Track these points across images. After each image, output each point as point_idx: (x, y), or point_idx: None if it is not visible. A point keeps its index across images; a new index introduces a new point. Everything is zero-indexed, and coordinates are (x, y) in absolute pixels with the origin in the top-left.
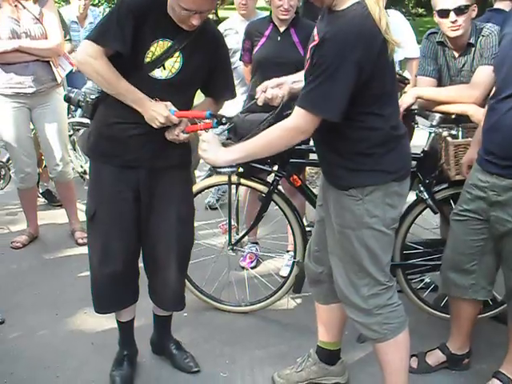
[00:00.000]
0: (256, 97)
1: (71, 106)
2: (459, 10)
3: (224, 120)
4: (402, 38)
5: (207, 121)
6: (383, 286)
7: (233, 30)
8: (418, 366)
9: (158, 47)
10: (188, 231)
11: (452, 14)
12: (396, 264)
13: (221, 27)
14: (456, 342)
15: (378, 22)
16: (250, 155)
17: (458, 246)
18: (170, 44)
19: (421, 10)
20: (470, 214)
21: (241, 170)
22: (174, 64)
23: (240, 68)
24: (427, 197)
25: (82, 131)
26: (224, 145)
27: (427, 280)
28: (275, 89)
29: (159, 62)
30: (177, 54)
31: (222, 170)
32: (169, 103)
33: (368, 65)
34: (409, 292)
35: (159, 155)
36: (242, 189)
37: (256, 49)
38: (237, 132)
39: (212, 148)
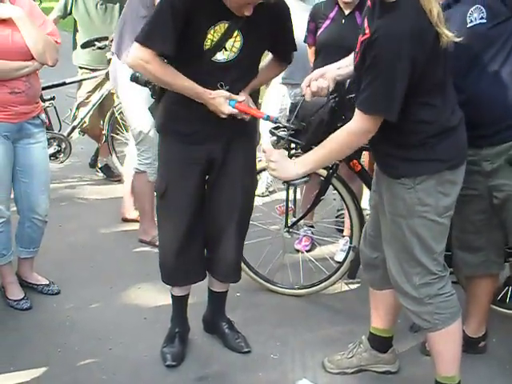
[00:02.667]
0: (302, 93)
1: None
2: None
3: (276, 122)
4: None
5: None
6: (435, 276)
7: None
8: None
9: (215, 32)
10: (249, 201)
11: None
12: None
13: None
14: (472, 324)
15: (429, 14)
16: (321, 164)
17: (466, 226)
18: (226, 25)
19: None
20: (470, 192)
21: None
22: (234, 43)
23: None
24: None
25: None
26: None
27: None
28: (319, 80)
29: (219, 45)
30: (235, 33)
31: (295, 182)
32: (228, 94)
33: (422, 59)
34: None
35: (226, 131)
36: None
37: (320, 31)
38: (298, 114)
39: (281, 165)
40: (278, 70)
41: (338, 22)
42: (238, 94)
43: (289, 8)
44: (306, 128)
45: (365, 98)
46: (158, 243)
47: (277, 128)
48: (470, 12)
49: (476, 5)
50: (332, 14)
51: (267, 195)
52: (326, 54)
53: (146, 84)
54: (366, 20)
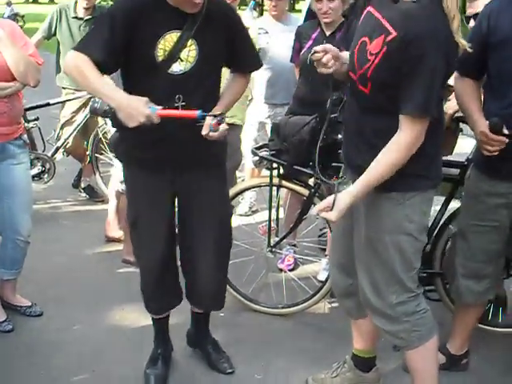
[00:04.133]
0: (317, 49)
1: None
2: None
3: (218, 117)
4: None
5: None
6: (412, 294)
7: (263, 29)
8: None
9: (167, 42)
10: (225, 230)
11: None
12: (436, 273)
13: (254, 26)
14: (456, 342)
15: (451, 20)
16: (374, 185)
17: (477, 255)
18: (178, 34)
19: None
20: (491, 223)
21: (282, 171)
22: (189, 53)
23: (274, 68)
24: None
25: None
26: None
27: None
28: (331, 58)
29: (173, 55)
30: (189, 42)
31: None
32: (146, 99)
33: (451, 63)
34: (448, 301)
35: (190, 155)
36: (282, 191)
37: (303, 51)
38: (280, 134)
39: (337, 207)
40: (244, 81)
41: (319, 43)
42: (196, 108)
43: (239, 16)
44: (287, 148)
45: (421, 100)
46: None
47: (259, 148)
48: None
49: None
50: (314, 35)
51: (250, 215)
52: (307, 73)
53: (104, 114)
54: (383, 20)
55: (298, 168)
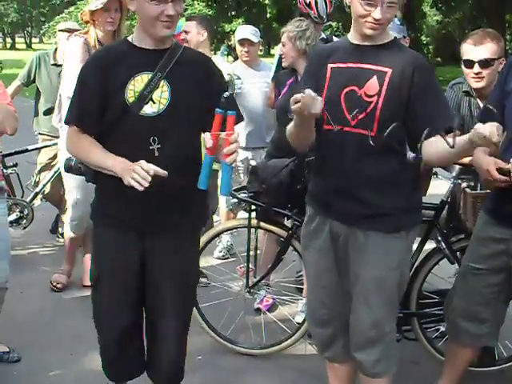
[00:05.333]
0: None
1: None
2: (484, 63)
3: (225, 95)
4: None
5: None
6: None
7: (235, 75)
8: None
9: (137, 82)
10: (188, 300)
11: (476, 65)
12: (412, 313)
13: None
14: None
15: None
16: None
17: (474, 298)
18: (150, 75)
19: (439, 59)
20: (488, 266)
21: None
22: (161, 94)
23: (247, 113)
24: (444, 247)
25: None
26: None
27: (443, 329)
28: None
29: (145, 96)
30: (162, 83)
31: None
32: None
33: None
34: (423, 341)
35: (161, 217)
36: (260, 232)
37: (279, 97)
38: (258, 176)
39: None
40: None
41: (293, 89)
42: (172, 153)
43: (221, 71)
44: (266, 190)
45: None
46: None
47: (237, 190)
48: None
49: None
50: (289, 82)
51: (227, 257)
52: (282, 119)
53: (79, 172)
54: (367, 65)
55: (277, 210)
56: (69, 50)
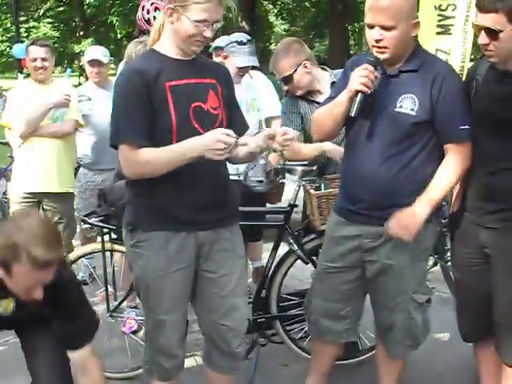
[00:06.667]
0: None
1: None
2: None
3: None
4: (265, 97)
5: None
6: None
7: (85, 96)
8: None
9: None
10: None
11: None
12: (273, 316)
13: (74, 93)
14: (314, 380)
15: None
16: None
17: (333, 296)
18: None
19: None
20: (345, 265)
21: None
22: (8, 305)
23: (99, 134)
24: (297, 248)
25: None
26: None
27: (307, 329)
28: None
29: None
30: (9, 298)
31: None
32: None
33: None
34: (289, 342)
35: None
36: (118, 254)
37: None
38: (107, 199)
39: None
40: None
41: None
42: None
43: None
44: (115, 212)
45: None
46: None
47: (88, 215)
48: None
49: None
50: None
51: (87, 283)
52: None
53: None
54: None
55: None
56: None
